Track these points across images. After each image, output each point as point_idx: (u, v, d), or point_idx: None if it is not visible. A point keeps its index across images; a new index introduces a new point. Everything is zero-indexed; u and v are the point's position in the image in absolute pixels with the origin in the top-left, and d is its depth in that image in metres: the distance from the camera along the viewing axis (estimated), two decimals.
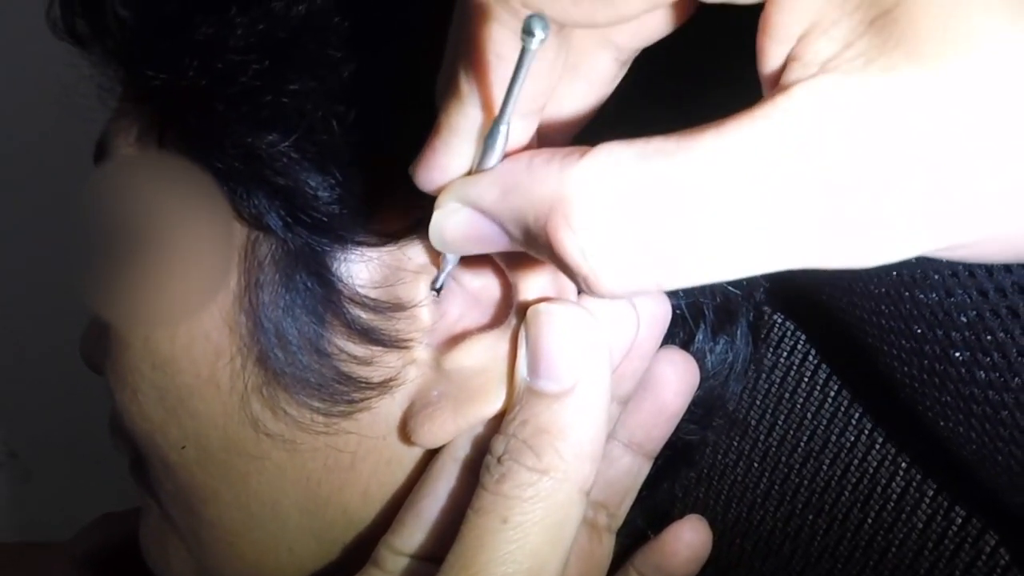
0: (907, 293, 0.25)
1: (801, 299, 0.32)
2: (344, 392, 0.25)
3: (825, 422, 0.36)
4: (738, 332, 0.28)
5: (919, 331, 0.25)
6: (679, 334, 0.27)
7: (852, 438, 0.35)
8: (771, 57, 0.17)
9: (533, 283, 0.23)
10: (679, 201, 0.16)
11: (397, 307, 0.24)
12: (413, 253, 0.24)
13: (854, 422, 0.35)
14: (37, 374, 1.19)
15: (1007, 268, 0.23)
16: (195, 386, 0.26)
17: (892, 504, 0.34)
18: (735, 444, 0.40)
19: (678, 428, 0.28)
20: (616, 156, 0.17)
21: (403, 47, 0.23)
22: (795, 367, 0.37)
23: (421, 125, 0.20)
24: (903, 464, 0.33)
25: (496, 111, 0.18)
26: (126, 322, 0.27)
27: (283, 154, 0.23)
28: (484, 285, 0.25)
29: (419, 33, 0.23)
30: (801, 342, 0.36)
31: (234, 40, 0.23)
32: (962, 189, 0.16)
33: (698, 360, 0.27)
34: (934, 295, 0.24)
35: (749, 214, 0.16)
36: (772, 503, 0.39)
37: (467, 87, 0.18)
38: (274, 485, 0.26)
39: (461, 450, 0.24)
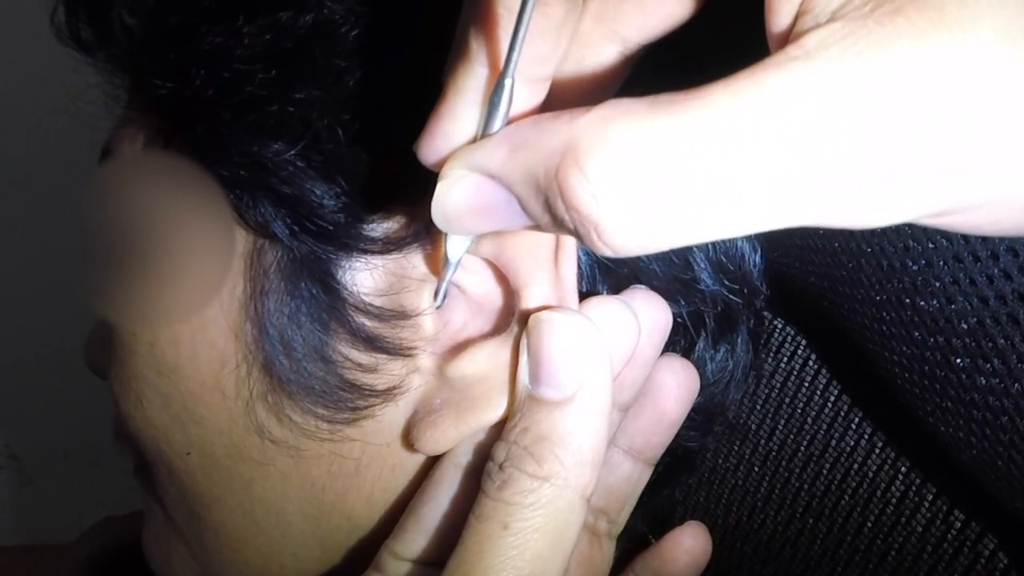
0: (908, 300, 0.25)
1: (802, 305, 0.32)
2: (348, 399, 0.25)
3: (825, 426, 0.36)
4: (739, 340, 0.28)
5: (920, 337, 0.26)
6: (680, 342, 0.27)
7: (852, 442, 0.35)
8: (781, 13, 0.17)
9: (535, 291, 0.23)
10: (691, 151, 0.16)
11: (401, 315, 0.24)
12: (417, 262, 0.24)
13: (854, 427, 0.35)
14: (39, 378, 1.19)
15: (1007, 275, 0.23)
16: (200, 393, 0.26)
17: (892, 508, 0.34)
18: (735, 448, 0.40)
19: (678, 435, 0.28)
20: (627, 106, 0.17)
21: (408, 56, 0.24)
22: (795, 372, 0.37)
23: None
24: (903, 468, 0.33)
25: (502, 66, 0.18)
26: (127, 322, 0.27)
27: (289, 163, 0.23)
28: (487, 293, 0.25)
29: (424, 42, 0.23)
30: (801, 347, 0.36)
31: (241, 50, 0.23)
32: (957, 142, 0.15)
33: (699, 368, 0.27)
34: (935, 302, 0.25)
35: (761, 165, 0.16)
36: (772, 507, 0.39)
37: (475, 44, 0.18)
38: (278, 491, 0.26)
39: (463, 456, 0.24)
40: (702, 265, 0.26)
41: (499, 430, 0.24)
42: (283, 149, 0.23)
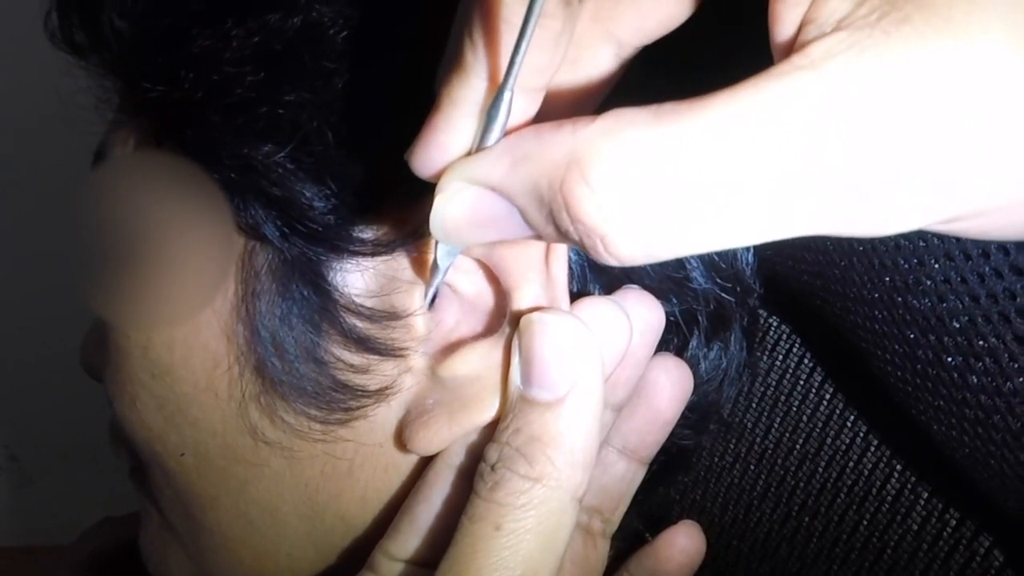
0: (900, 299, 0.25)
1: (796, 303, 0.32)
2: (341, 400, 0.25)
3: (821, 425, 0.36)
4: (732, 338, 0.28)
5: (912, 336, 0.26)
6: (673, 340, 0.27)
7: (847, 441, 0.36)
8: (785, 23, 0.17)
9: (526, 292, 0.23)
10: (697, 159, 0.16)
11: (392, 316, 0.24)
12: (408, 263, 0.24)
13: (849, 425, 0.35)
14: (39, 379, 1.19)
15: (998, 274, 0.23)
16: (193, 395, 0.26)
17: (887, 506, 0.34)
18: (731, 447, 0.40)
19: (673, 433, 0.28)
20: (630, 116, 0.17)
21: (397, 58, 0.24)
22: (791, 370, 0.37)
23: (415, 135, 0.21)
24: (898, 467, 0.33)
25: (500, 78, 0.18)
26: (124, 323, 0.27)
27: (278, 165, 0.23)
28: (478, 293, 0.25)
29: (414, 44, 0.23)
30: (796, 345, 0.36)
31: (230, 52, 0.23)
32: (966, 148, 0.15)
33: (692, 366, 0.27)
34: (927, 300, 0.25)
35: (768, 174, 0.16)
36: (768, 505, 0.39)
37: (471, 55, 0.18)
38: (272, 492, 0.26)
39: (456, 457, 0.24)
40: (694, 263, 0.26)
41: (492, 431, 0.24)
42: (273, 151, 0.23)
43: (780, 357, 0.37)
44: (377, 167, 0.23)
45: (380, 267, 0.24)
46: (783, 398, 0.38)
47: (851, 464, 0.36)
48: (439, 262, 0.22)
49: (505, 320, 0.24)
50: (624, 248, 0.17)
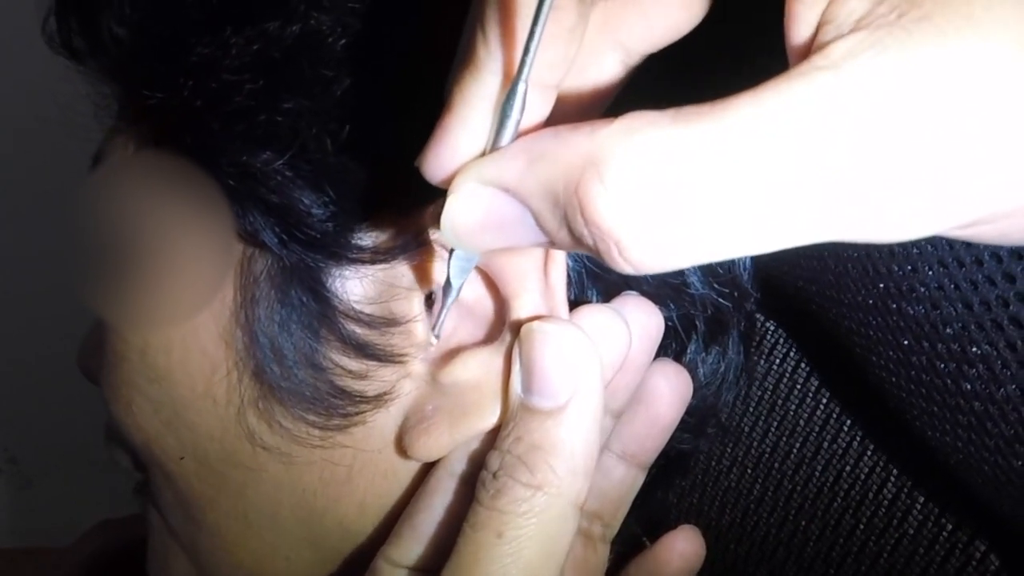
0: (894, 305, 0.25)
1: (792, 308, 0.32)
2: (339, 406, 0.25)
3: (817, 429, 0.37)
4: (730, 342, 0.28)
5: (906, 343, 0.26)
6: (671, 346, 0.27)
7: (844, 445, 0.36)
8: (802, 22, 0.17)
9: (525, 300, 0.24)
10: (718, 162, 0.16)
11: (392, 322, 0.24)
12: (407, 270, 0.24)
13: (846, 429, 0.35)
14: (38, 381, 1.19)
15: (991, 281, 0.23)
16: (191, 399, 0.26)
17: (883, 510, 0.35)
18: (728, 450, 0.40)
19: (671, 437, 0.28)
20: (651, 118, 0.16)
21: (396, 66, 0.24)
22: (787, 374, 0.37)
23: (414, 142, 0.21)
24: (894, 471, 0.34)
25: (514, 72, 0.18)
26: (121, 323, 0.27)
27: (277, 172, 0.23)
28: (477, 299, 0.25)
29: (412, 52, 0.24)
30: (793, 350, 0.36)
31: (229, 60, 0.23)
32: (988, 148, 0.15)
33: (691, 371, 0.27)
34: (920, 308, 0.25)
35: (790, 177, 0.15)
36: (765, 509, 0.39)
37: (483, 51, 0.18)
38: (271, 496, 0.27)
39: (457, 464, 0.25)
40: (691, 269, 0.26)
41: (492, 437, 0.24)
42: (272, 158, 0.23)
43: (777, 361, 0.38)
44: (376, 174, 0.23)
45: (379, 274, 0.24)
46: (780, 402, 0.38)
47: (848, 468, 0.36)
48: (452, 280, 0.22)
49: (505, 327, 0.24)
50: (639, 254, 0.16)
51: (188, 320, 0.26)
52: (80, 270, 0.30)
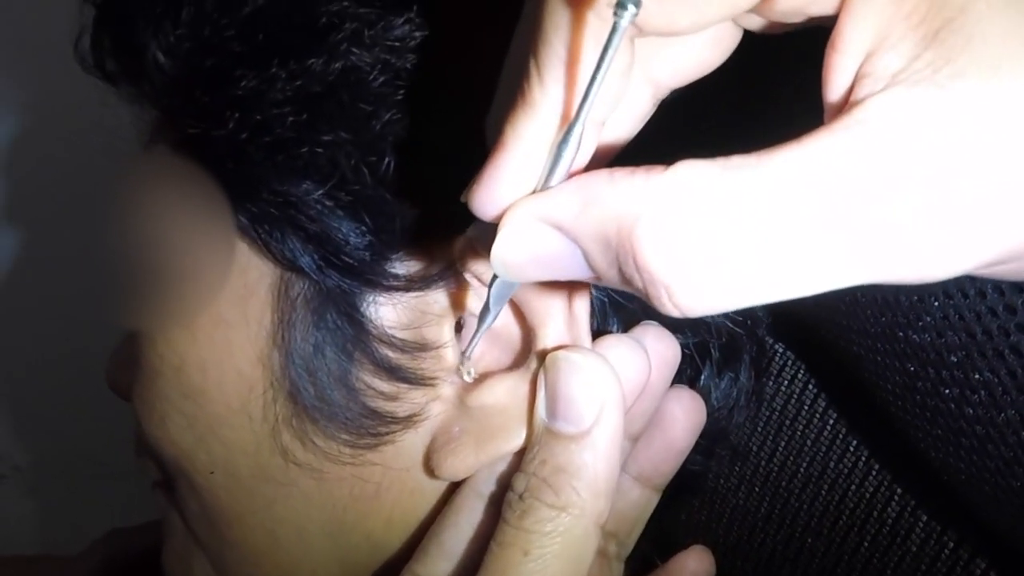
0: (901, 333, 0.26)
1: (802, 333, 0.33)
2: (371, 426, 0.26)
3: (824, 449, 0.38)
4: (742, 368, 0.29)
5: (912, 369, 0.27)
6: (686, 371, 0.28)
7: (850, 464, 0.37)
8: (840, 74, 0.18)
9: (551, 330, 0.25)
10: (766, 211, 0.16)
11: (423, 347, 0.26)
12: (439, 297, 0.26)
13: (852, 450, 0.36)
14: (43, 388, 1.19)
15: (993, 312, 0.24)
16: (226, 416, 0.27)
17: (888, 528, 0.35)
18: (737, 469, 0.41)
19: (684, 459, 0.29)
20: (700, 169, 0.17)
21: (432, 102, 0.25)
22: (796, 396, 0.38)
23: (448, 175, 0.22)
24: (898, 491, 0.35)
25: (572, 112, 0.18)
26: (138, 324, 0.28)
27: (317, 202, 0.24)
28: (505, 327, 0.26)
29: (448, 89, 0.25)
30: (801, 372, 0.37)
31: (273, 94, 0.24)
32: (1012, 198, 0.16)
33: (704, 395, 0.28)
34: (926, 336, 0.26)
35: (836, 225, 0.16)
36: (772, 526, 0.40)
37: (539, 91, 0.18)
38: (300, 511, 0.28)
39: (483, 484, 0.26)
40: None
41: (517, 460, 0.25)
42: (311, 189, 0.24)
43: (786, 382, 0.39)
44: (412, 206, 0.25)
45: (412, 301, 0.25)
46: (788, 422, 0.39)
47: (853, 487, 0.37)
48: (491, 306, 0.23)
49: (531, 355, 0.25)
50: (688, 300, 0.17)
51: (197, 318, 0.27)
52: (106, 283, 0.31)
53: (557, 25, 0.17)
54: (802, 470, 0.39)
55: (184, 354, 0.28)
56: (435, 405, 0.26)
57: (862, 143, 0.16)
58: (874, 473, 0.36)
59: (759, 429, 0.40)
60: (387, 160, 0.24)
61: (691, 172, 0.17)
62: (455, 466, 0.25)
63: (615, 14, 0.16)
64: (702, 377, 0.28)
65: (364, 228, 0.25)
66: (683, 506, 0.39)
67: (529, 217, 0.19)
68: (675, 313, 0.17)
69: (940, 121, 0.16)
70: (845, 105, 0.17)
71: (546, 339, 0.25)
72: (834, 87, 0.18)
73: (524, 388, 0.25)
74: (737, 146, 0.18)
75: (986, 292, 0.24)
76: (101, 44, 0.29)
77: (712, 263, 0.17)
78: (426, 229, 0.24)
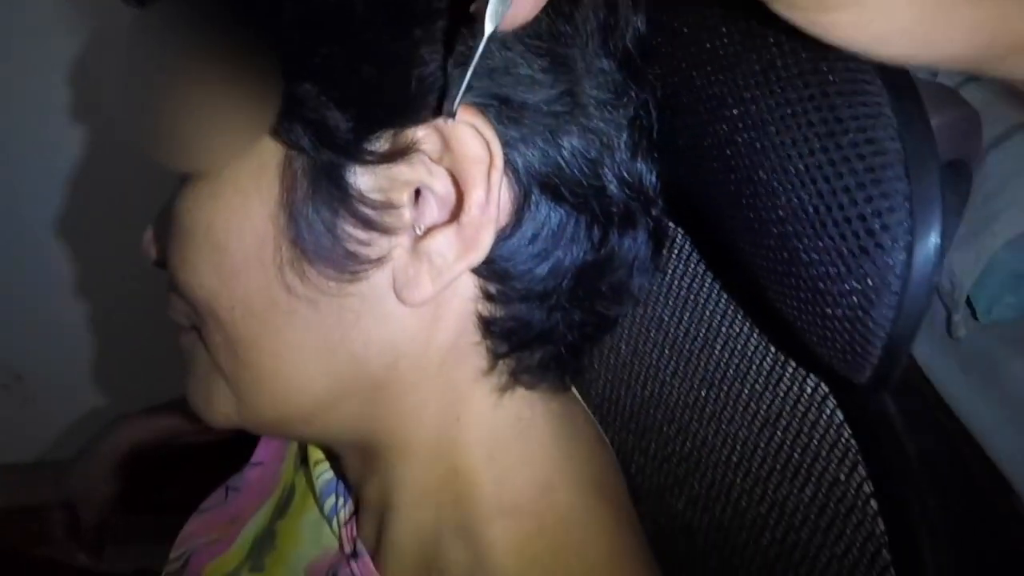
0: (752, 215, 0.35)
1: (696, 218, 0.41)
2: (350, 265, 0.34)
3: (718, 318, 0.46)
4: (639, 234, 0.37)
5: (767, 241, 0.35)
6: (596, 232, 0.36)
7: (736, 330, 0.45)
8: None
9: (476, 194, 0.32)
10: None
11: (389, 206, 0.33)
12: (402, 170, 0.33)
13: (739, 319, 0.44)
14: (42, 301, 1.24)
15: (819, 179, 0.32)
16: (244, 262, 0.35)
17: (763, 379, 0.44)
18: (651, 335, 0.50)
19: (599, 304, 0.37)
20: None
21: (405, 22, 0.32)
22: (699, 276, 0.47)
23: (411, 82, 0.30)
24: (772, 350, 0.43)
25: None
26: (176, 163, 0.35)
27: (314, 98, 0.32)
28: (447, 192, 0.33)
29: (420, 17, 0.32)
30: (699, 259, 0.46)
31: (286, 15, 0.32)
32: None
33: (610, 254, 0.36)
34: (769, 202, 0.34)
35: None
36: (678, 380, 0.49)
37: None
38: (299, 335, 0.36)
39: None
40: (610, 178, 0.35)
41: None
42: (312, 89, 0.32)
43: (692, 265, 0.47)
44: (387, 102, 0.32)
45: (383, 172, 0.33)
46: (692, 297, 0.48)
47: (739, 347, 0.45)
48: (487, 23, 0.26)
49: (462, 211, 0.33)
50: None
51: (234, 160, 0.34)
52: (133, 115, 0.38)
53: None
54: (700, 335, 0.47)
55: (211, 217, 0.35)
56: (396, 251, 0.34)
57: None
58: (755, 336, 0.44)
59: (669, 303, 0.49)
60: (372, 67, 0.32)
61: None
62: (415, 295, 0.34)
63: None
64: (610, 237, 0.36)
65: (349, 117, 0.32)
66: (604, 361, 0.47)
67: None
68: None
69: None
70: None
71: (472, 200, 0.32)
72: None
73: (457, 236, 0.33)
74: None
75: (815, 151, 0.33)
76: None
77: None
78: (396, 120, 0.32)
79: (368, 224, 0.33)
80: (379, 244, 0.34)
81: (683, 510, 0.51)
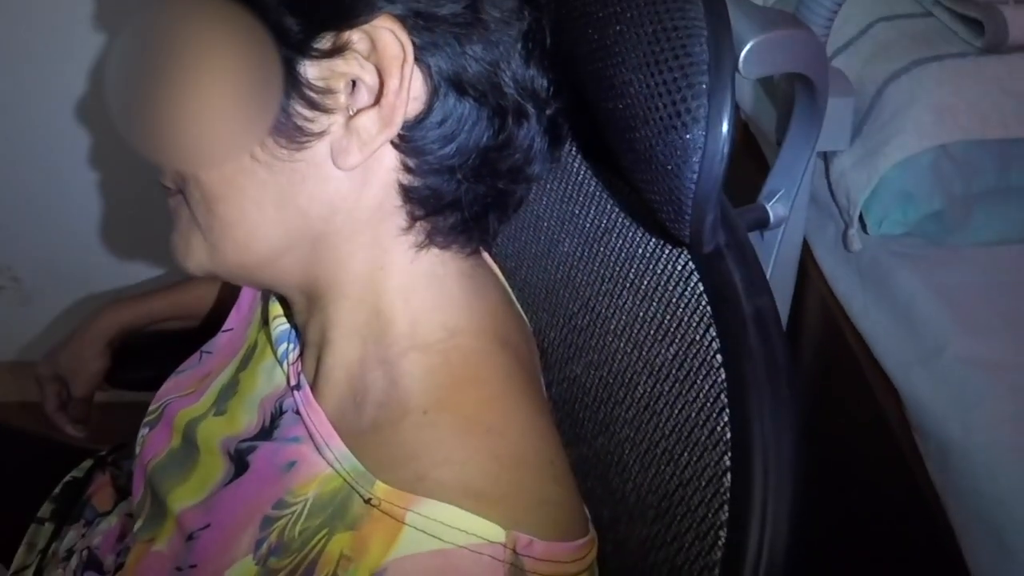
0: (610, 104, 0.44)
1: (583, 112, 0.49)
2: (298, 136, 0.43)
3: (616, 210, 0.55)
4: (532, 125, 0.45)
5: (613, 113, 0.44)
6: (496, 121, 0.44)
7: (628, 221, 0.54)
8: None
9: (392, 82, 0.41)
10: None
11: (330, 92, 0.42)
12: (339, 64, 0.42)
13: (610, 206, 0.54)
14: (40, 202, 1.30)
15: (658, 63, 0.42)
16: (218, 134, 0.44)
17: (646, 259, 0.53)
18: (564, 226, 0.59)
19: (500, 178, 0.45)
20: None
21: None
22: (583, 172, 0.56)
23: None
24: (640, 228, 0.52)
25: None
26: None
27: (276, 8, 0.41)
28: (373, 82, 0.42)
29: None
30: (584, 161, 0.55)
31: None
32: None
33: (510, 138, 0.44)
34: (616, 93, 0.43)
35: None
36: (582, 264, 0.58)
37: None
38: (260, 191, 0.44)
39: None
40: (506, 80, 0.43)
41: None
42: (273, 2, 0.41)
43: (577, 165, 0.57)
44: (326, 11, 0.41)
45: (326, 64, 0.42)
46: (598, 193, 0.57)
47: (629, 234, 0.54)
48: None
49: (382, 95, 0.42)
50: None
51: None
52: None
53: None
54: (602, 224, 0.56)
55: (200, 110, 0.44)
56: (334, 127, 0.43)
57: None
58: (622, 218, 0.53)
59: (580, 198, 0.58)
60: None
61: None
62: (347, 161, 0.43)
63: None
64: (508, 125, 0.43)
65: (298, 22, 0.41)
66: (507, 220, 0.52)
67: None
68: None
69: None
70: None
71: (390, 86, 0.41)
72: None
73: (378, 115, 0.42)
74: None
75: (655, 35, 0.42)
76: None
77: None
78: (337, 24, 0.41)
79: (313, 105, 0.42)
80: (320, 121, 0.43)
81: (580, 374, 0.60)
